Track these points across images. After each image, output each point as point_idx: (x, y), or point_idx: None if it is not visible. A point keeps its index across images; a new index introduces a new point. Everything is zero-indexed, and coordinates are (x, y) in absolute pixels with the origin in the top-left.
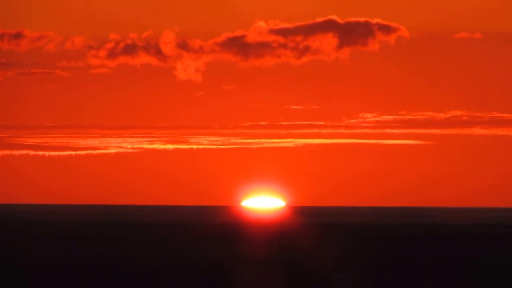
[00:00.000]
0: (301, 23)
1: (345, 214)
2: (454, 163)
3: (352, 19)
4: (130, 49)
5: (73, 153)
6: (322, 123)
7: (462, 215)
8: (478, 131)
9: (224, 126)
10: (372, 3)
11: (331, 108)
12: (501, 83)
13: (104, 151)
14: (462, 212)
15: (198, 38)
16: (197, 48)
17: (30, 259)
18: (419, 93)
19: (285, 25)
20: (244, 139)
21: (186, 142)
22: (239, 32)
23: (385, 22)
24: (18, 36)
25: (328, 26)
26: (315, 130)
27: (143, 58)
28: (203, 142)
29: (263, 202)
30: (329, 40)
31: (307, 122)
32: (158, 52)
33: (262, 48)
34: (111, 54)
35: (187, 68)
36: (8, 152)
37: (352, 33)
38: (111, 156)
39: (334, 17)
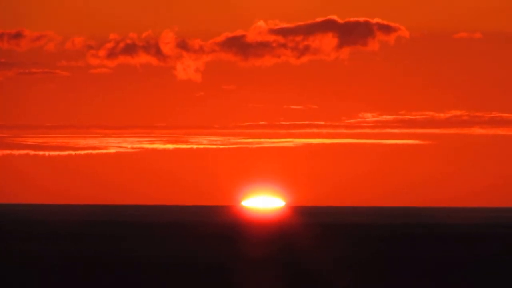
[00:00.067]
0: (301, 23)
1: (345, 214)
2: (454, 163)
3: (352, 19)
4: (130, 49)
5: (73, 153)
6: (322, 123)
7: (462, 215)
8: (478, 131)
9: (224, 126)
10: (372, 3)
11: (331, 108)
12: (501, 83)
13: (104, 151)
14: (462, 212)
15: (198, 38)
16: (197, 48)
17: (30, 259)
18: (419, 93)
19: (285, 25)
20: (244, 139)
21: (186, 142)
22: (239, 32)
23: (385, 22)
24: (18, 36)
25: (328, 26)
26: (315, 130)
27: (143, 58)
28: (203, 142)
29: (263, 202)
30: (329, 40)
31: (306, 122)
32: (158, 52)
33: (262, 48)
34: (111, 54)
35: (187, 68)
36: (8, 152)
37: (352, 33)
38: (111, 156)
39: (334, 17)
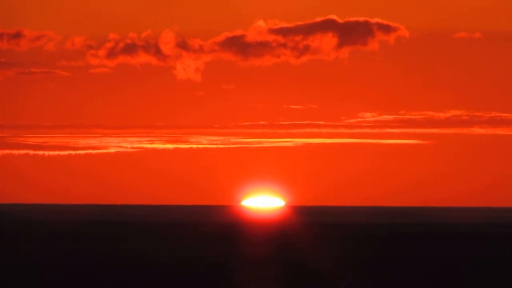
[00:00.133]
0: (300, 23)
1: (344, 213)
2: (454, 163)
3: (352, 19)
4: (130, 49)
5: (73, 152)
6: (321, 122)
7: (462, 215)
8: (477, 130)
9: (224, 125)
10: (372, 2)
11: (331, 108)
12: (501, 83)
13: (104, 151)
14: (462, 212)
15: (198, 37)
16: (196, 48)
17: (30, 259)
18: (419, 93)
19: (284, 24)
20: (243, 138)
21: (186, 142)
22: (238, 32)
23: (385, 22)
24: (17, 35)
25: (327, 25)
26: (314, 130)
27: (142, 58)
28: (203, 142)
29: (263, 202)
30: (328, 40)
31: (306, 122)
32: (158, 52)
33: (262, 47)
34: (111, 54)
35: (187, 68)
36: (8, 152)
37: (351, 33)
38: (111, 155)
39: (333, 16)
